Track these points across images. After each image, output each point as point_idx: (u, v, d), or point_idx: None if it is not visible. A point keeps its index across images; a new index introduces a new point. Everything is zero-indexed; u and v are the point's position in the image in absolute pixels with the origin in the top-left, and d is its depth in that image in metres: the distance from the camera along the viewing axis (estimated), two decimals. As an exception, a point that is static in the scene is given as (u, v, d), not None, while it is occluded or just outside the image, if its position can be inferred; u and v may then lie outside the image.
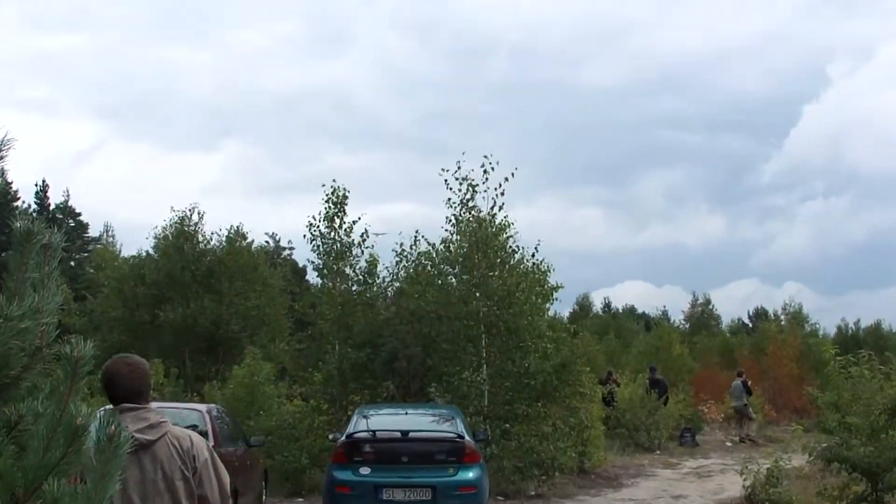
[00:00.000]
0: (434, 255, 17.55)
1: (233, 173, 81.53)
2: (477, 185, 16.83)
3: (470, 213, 16.90)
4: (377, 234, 18.22)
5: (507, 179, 16.68)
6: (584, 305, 57.99)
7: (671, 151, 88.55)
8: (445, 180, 16.94)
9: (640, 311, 65.80)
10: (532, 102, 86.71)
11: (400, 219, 66.62)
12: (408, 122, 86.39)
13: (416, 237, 18.02)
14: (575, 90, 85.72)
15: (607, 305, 66.00)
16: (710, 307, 55.44)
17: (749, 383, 24.78)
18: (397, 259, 18.24)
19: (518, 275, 16.80)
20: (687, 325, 53.73)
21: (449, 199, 17.08)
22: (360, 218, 18.15)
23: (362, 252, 18.16)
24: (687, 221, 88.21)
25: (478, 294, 16.58)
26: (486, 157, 16.70)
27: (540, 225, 70.72)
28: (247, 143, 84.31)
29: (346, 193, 18.12)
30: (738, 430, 24.44)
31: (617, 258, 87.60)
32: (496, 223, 16.98)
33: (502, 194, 16.73)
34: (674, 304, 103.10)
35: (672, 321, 52.49)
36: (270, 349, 23.14)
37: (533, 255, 16.96)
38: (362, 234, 18.13)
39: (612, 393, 22.85)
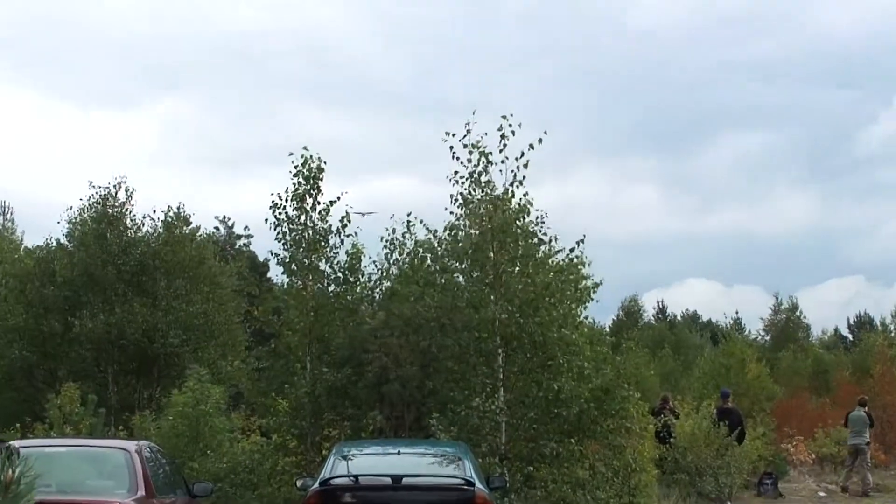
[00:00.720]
0: (435, 245, 17.55)
1: (173, 139, 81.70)
2: (491, 153, 16.80)
3: (483, 191, 16.84)
4: (363, 214, 18.28)
5: (531, 147, 16.62)
6: (631, 311, 57.93)
7: (750, 110, 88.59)
8: (451, 147, 16.89)
9: (704, 318, 65.82)
10: (566, 44, 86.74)
11: (392, 198, 66.71)
12: (400, 72, 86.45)
13: (408, 221, 18.09)
14: (625, 28, 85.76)
15: (662, 311, 66.03)
16: (798, 314, 55.52)
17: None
18: (387, 251, 18.25)
19: (546, 271, 16.77)
20: (767, 338, 53.70)
21: (456, 173, 17.07)
22: (339, 197, 18.29)
23: (342, 242, 18.29)
24: (769, 202, 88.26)
25: (493, 297, 16.58)
26: (504, 117, 16.72)
27: (576, 206, 70.62)
28: (192, 100, 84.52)
29: (322, 165, 18.19)
30: (846, 474, 24.24)
31: (676, 249, 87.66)
32: (515, 204, 16.91)
33: (525, 166, 16.66)
34: (750, 309, 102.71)
35: (747, 332, 52.74)
36: (221, 368, 23.16)
37: (572, 250, 17.02)
38: (342, 218, 18.19)
39: (669, 426, 22.73)
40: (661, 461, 21.42)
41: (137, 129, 77.50)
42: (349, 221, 18.20)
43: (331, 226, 18.22)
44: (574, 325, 17.06)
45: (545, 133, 16.92)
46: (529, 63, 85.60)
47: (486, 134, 17.07)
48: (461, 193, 17.23)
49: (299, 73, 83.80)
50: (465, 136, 17.01)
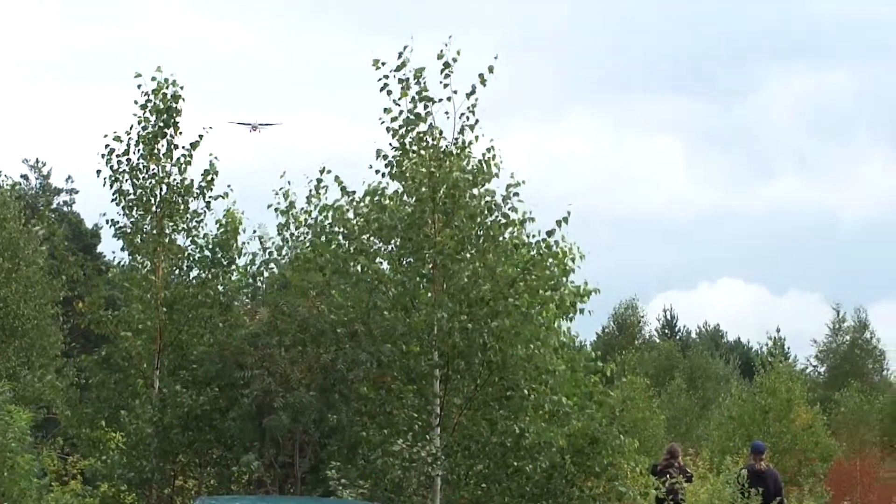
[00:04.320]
0: (350, 215, 17.64)
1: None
2: (429, 93, 16.92)
3: (424, 141, 17.03)
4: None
5: (483, 81, 16.94)
6: (626, 323, 58.38)
7: (822, 35, 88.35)
8: (384, 78, 17.07)
9: (732, 337, 66.42)
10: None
11: (292, 142, 65.99)
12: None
13: (319, 180, 18.16)
14: None
15: (669, 324, 66.59)
16: (869, 334, 56.21)
17: None
18: (280, 221, 18.32)
19: (511, 260, 16.92)
20: (821, 370, 54.36)
21: (387, 112, 17.23)
22: (201, 136, 18.34)
23: (208, 205, 18.23)
24: (846, 171, 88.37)
25: (432, 293, 16.70)
26: (446, 43, 16.95)
27: (561, 165, 70.34)
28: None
29: (179, 92, 18.23)
30: None
31: (704, 235, 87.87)
32: (472, 162, 17.14)
33: (471, 110, 16.90)
34: (802, 326, 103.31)
35: (793, 359, 53.08)
36: (26, 383, 23.04)
37: (551, 233, 17.21)
38: (206, 171, 18.23)
39: (677, 492, 23.13)
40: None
41: None
42: (216, 173, 18.34)
43: (192, 182, 18.37)
44: (549, 340, 17.31)
45: (496, 57, 17.33)
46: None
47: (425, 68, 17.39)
48: (391, 143, 17.47)
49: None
50: (398, 66, 17.35)
